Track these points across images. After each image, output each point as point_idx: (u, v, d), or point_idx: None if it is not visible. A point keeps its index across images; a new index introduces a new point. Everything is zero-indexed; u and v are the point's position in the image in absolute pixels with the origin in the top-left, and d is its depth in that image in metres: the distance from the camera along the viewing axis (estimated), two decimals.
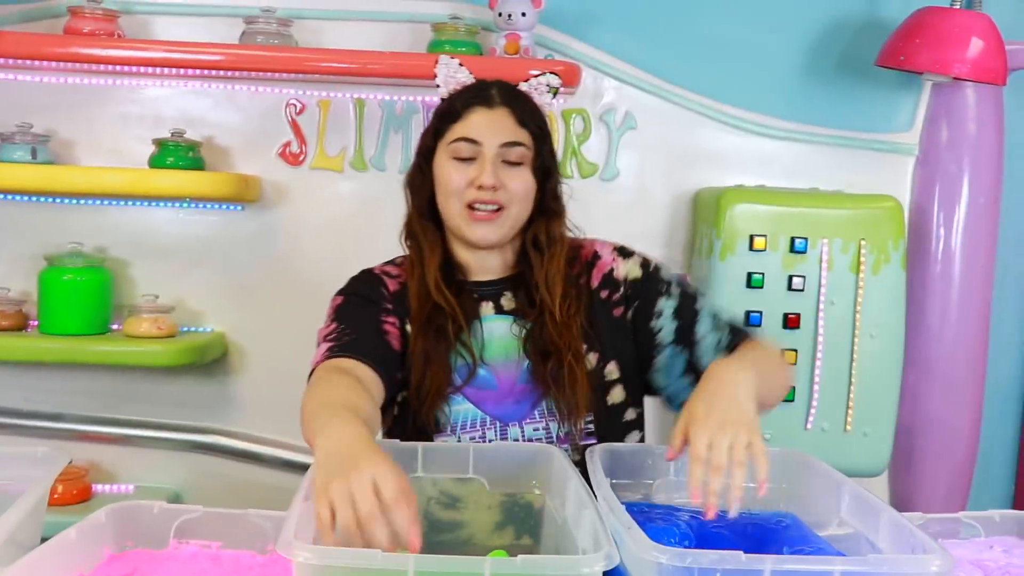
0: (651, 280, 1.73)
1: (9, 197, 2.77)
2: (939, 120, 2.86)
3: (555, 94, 1.76)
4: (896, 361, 2.71)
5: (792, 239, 2.64)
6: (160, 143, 2.67)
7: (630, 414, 1.70)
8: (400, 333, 1.64)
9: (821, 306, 2.65)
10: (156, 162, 2.67)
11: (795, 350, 2.66)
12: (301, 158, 2.81)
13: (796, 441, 2.58)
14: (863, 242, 2.64)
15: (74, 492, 2.67)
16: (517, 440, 1.61)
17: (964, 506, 2.87)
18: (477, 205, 1.62)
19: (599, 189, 2.85)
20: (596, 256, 1.75)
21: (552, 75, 1.76)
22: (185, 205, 2.80)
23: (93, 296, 2.70)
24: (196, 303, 2.83)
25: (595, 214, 2.79)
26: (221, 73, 2.69)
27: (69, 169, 2.72)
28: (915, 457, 2.87)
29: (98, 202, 2.79)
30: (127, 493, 2.81)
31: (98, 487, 2.79)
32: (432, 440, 1.60)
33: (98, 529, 1.30)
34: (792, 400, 2.66)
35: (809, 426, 2.68)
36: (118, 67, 2.66)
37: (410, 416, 1.63)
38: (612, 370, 1.69)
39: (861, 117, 2.89)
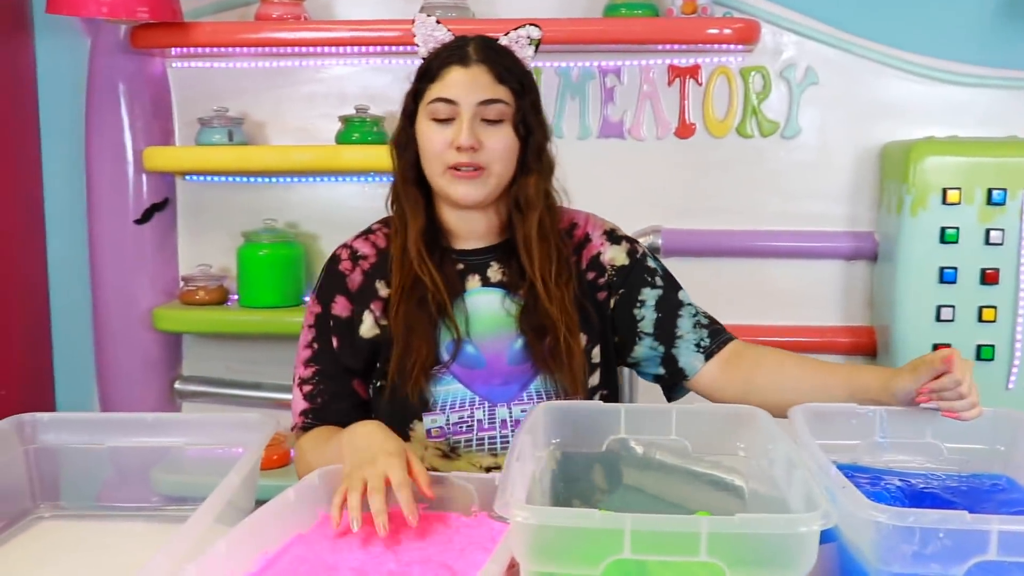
0: (637, 268, 1.69)
1: (209, 179, 2.92)
2: None
3: (537, 47, 1.66)
4: None
5: (989, 191, 2.52)
6: (345, 120, 2.76)
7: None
8: (355, 333, 1.65)
9: (1023, 260, 2.52)
10: (342, 138, 2.76)
11: (994, 307, 2.54)
12: None
13: (997, 402, 2.40)
14: None
15: (275, 457, 2.78)
16: (505, 420, 1.60)
17: None
18: (460, 166, 1.56)
19: (780, 147, 2.79)
20: (587, 238, 1.71)
21: (533, 27, 1.65)
22: (370, 179, 2.89)
23: (286, 270, 2.83)
24: None
25: (777, 173, 2.79)
26: (401, 49, 2.75)
27: (262, 149, 2.85)
28: None
29: (289, 180, 2.91)
30: None
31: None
32: (417, 419, 1.60)
33: (313, 491, 1.36)
34: (992, 359, 2.55)
35: (1011, 386, 2.56)
36: (304, 49, 2.76)
37: (388, 397, 1.62)
38: (596, 354, 1.66)
39: None
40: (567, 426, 1.40)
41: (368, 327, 1.65)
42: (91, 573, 1.35)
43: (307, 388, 1.66)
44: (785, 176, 2.80)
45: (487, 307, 1.64)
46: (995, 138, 2.66)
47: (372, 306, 1.65)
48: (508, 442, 1.60)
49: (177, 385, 2.99)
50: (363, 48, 2.76)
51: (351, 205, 2.92)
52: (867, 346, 2.79)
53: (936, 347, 2.55)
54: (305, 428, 1.65)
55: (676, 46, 2.67)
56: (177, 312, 2.85)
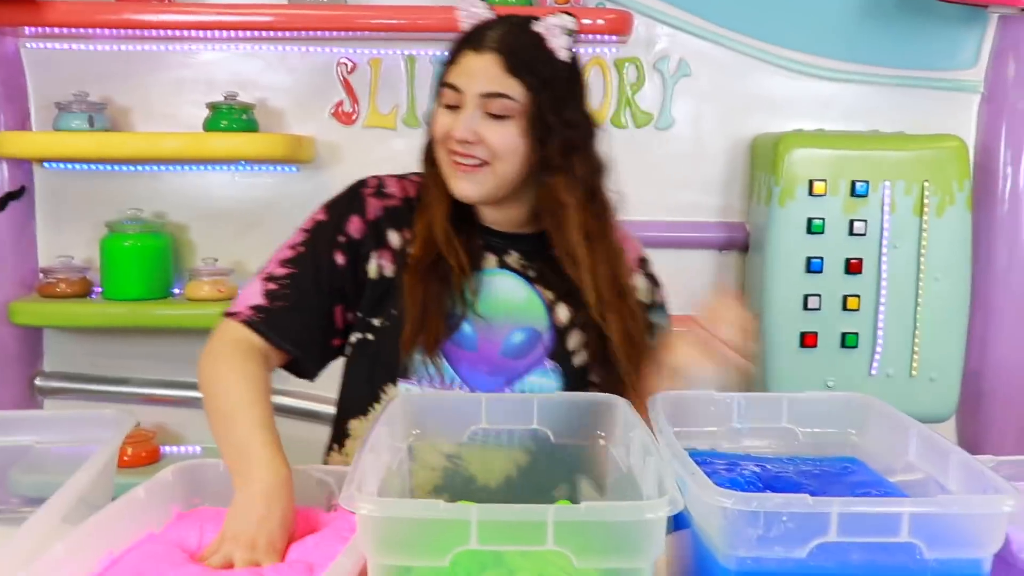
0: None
1: (69, 166, 2.81)
2: (1006, 55, 2.77)
3: (573, 37, 1.53)
4: (962, 304, 2.65)
5: (853, 183, 2.59)
6: (214, 107, 2.68)
7: None
8: (353, 266, 1.56)
9: (884, 250, 2.60)
10: (210, 126, 2.68)
11: (857, 295, 2.62)
12: (354, 117, 2.81)
13: (860, 387, 2.55)
14: (926, 184, 2.58)
15: (143, 454, 2.71)
16: None
17: None
18: (456, 157, 1.50)
19: (654, 138, 2.82)
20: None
21: (567, 16, 1.52)
22: (240, 168, 2.81)
23: (154, 261, 2.74)
24: (254, 265, 2.79)
25: (651, 164, 2.81)
26: (272, 34, 2.69)
27: (126, 136, 2.74)
28: (983, 402, 2.82)
29: (155, 168, 2.82)
30: (194, 454, 2.86)
31: (166, 449, 2.84)
32: (392, 383, 1.54)
33: (166, 488, 1.32)
34: (855, 346, 2.63)
35: (874, 372, 2.64)
36: (170, 32, 2.67)
37: (371, 352, 1.56)
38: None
39: (922, 55, 2.81)
40: (427, 416, 1.38)
41: (372, 270, 1.57)
42: None
43: (271, 286, 1.55)
44: (659, 167, 2.83)
45: (504, 290, 1.58)
46: (858, 132, 2.74)
47: (379, 251, 1.57)
48: (476, 431, 1.49)
49: (38, 381, 2.87)
50: (232, 33, 2.68)
51: (221, 195, 2.84)
52: None
53: (803, 335, 2.62)
54: (249, 324, 1.52)
55: None
56: (36, 305, 2.72)
